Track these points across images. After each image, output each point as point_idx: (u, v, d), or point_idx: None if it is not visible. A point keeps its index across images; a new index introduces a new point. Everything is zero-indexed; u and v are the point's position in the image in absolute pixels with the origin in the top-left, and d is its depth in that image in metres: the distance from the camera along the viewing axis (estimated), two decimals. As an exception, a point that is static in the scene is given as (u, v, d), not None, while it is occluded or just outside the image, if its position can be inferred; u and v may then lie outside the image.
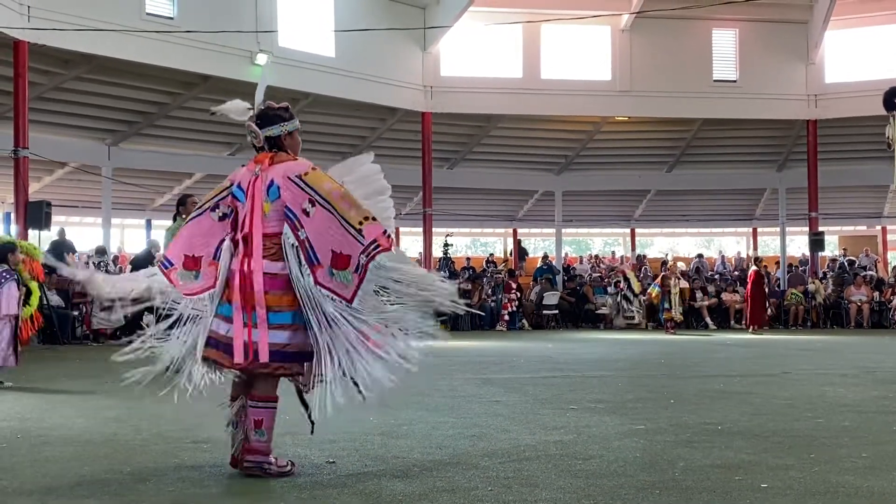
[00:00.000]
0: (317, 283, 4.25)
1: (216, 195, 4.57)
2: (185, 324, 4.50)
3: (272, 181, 4.36)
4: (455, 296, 4.37)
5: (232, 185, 4.52)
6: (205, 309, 4.49)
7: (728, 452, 4.88)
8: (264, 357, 4.23)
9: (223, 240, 4.49)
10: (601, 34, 24.40)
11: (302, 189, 4.32)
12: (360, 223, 4.24)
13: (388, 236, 4.29)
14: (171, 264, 4.53)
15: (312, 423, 4.45)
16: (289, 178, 4.35)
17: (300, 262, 4.27)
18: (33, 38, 16.56)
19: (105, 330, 16.34)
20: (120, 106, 20.68)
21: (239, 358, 4.25)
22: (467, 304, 4.54)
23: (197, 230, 4.54)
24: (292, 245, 4.29)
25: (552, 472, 4.39)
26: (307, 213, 4.29)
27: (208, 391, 4.46)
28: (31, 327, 9.55)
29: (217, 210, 4.53)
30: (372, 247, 4.21)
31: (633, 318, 21.77)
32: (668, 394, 7.76)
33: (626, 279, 22.09)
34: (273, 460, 4.33)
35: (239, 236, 4.40)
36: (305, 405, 4.48)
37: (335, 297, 4.25)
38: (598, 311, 22.58)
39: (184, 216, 9.60)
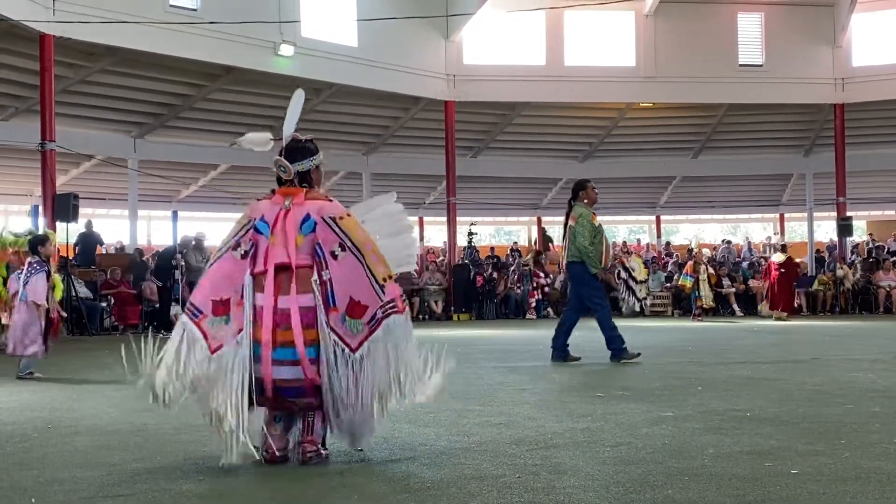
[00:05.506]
0: (327, 324, 4.27)
1: (236, 233, 4.50)
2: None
3: (308, 215, 4.37)
4: (442, 395, 4.51)
5: (252, 220, 4.47)
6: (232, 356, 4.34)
7: (757, 439, 4.84)
8: (282, 393, 4.27)
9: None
10: (625, 19, 24.25)
11: (335, 232, 4.35)
12: (384, 280, 4.30)
13: (405, 300, 4.38)
14: (201, 312, 4.38)
15: None
16: (323, 219, 4.37)
17: (319, 301, 4.29)
18: (59, 31, 16.71)
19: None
20: (145, 98, 20.86)
21: (269, 393, 4.30)
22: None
23: (219, 272, 4.45)
24: (315, 281, 4.30)
25: (580, 459, 4.38)
26: (335, 256, 4.31)
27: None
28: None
29: (239, 248, 4.44)
30: (389, 305, 4.28)
31: (634, 306, 21.12)
32: (695, 381, 7.72)
33: (626, 268, 21.61)
34: None
35: (267, 268, 4.33)
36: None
37: (341, 343, 4.25)
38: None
39: (584, 201, 9.74)
